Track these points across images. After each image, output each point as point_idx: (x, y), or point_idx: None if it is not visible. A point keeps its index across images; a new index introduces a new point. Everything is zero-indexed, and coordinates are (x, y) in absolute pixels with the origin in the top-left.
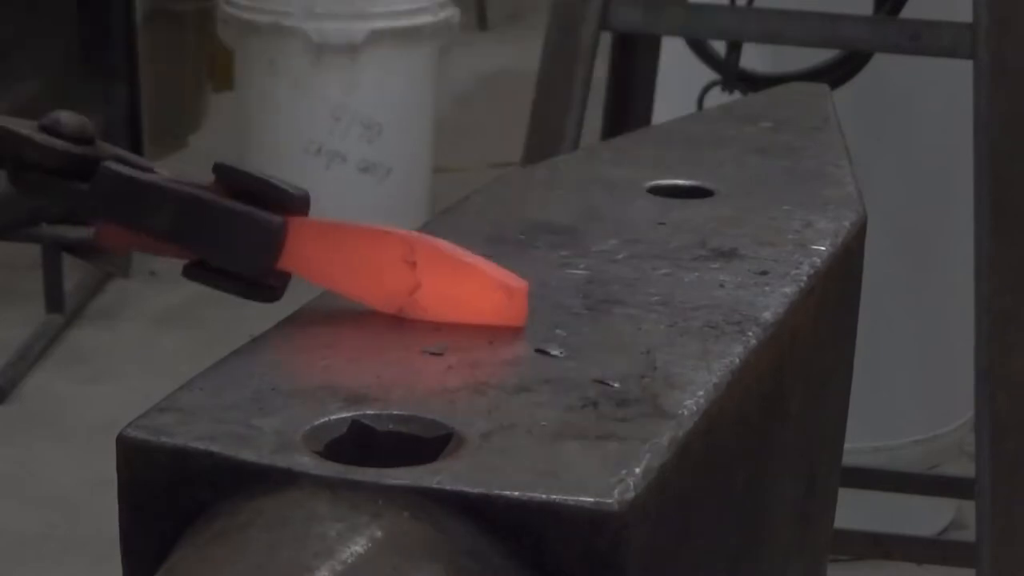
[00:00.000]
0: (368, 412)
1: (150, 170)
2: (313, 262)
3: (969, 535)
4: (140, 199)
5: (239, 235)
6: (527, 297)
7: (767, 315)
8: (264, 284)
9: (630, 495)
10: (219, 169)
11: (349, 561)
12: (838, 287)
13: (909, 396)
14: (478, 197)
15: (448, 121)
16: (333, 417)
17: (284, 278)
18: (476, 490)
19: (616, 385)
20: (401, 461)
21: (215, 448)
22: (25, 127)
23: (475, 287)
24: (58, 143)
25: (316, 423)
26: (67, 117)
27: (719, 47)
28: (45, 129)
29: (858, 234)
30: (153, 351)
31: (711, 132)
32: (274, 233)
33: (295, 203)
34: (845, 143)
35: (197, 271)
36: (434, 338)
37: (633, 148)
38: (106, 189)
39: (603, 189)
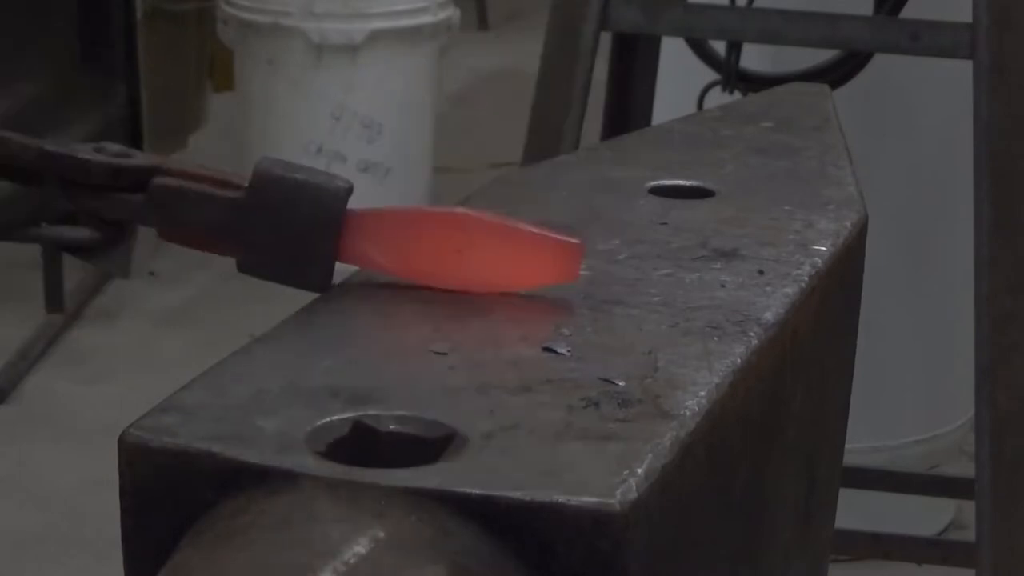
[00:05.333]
0: (370, 412)
1: (196, 176)
2: (366, 253)
3: (969, 535)
4: (190, 205)
5: (289, 235)
6: (582, 252)
7: (768, 315)
8: (312, 273)
9: (632, 496)
10: (259, 176)
11: (351, 562)
12: (839, 287)
13: (909, 396)
14: (478, 197)
15: (448, 121)
16: (335, 417)
17: (329, 267)
18: (478, 491)
19: (621, 384)
20: (403, 462)
21: (217, 449)
22: (80, 151)
23: (531, 250)
24: (113, 160)
25: (318, 423)
26: (109, 143)
27: (719, 47)
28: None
29: (859, 234)
30: (153, 351)
31: (711, 132)
32: (326, 231)
33: (337, 196)
34: (846, 143)
35: (249, 265)
36: (436, 338)
37: (633, 148)
38: (160, 201)
39: (604, 189)
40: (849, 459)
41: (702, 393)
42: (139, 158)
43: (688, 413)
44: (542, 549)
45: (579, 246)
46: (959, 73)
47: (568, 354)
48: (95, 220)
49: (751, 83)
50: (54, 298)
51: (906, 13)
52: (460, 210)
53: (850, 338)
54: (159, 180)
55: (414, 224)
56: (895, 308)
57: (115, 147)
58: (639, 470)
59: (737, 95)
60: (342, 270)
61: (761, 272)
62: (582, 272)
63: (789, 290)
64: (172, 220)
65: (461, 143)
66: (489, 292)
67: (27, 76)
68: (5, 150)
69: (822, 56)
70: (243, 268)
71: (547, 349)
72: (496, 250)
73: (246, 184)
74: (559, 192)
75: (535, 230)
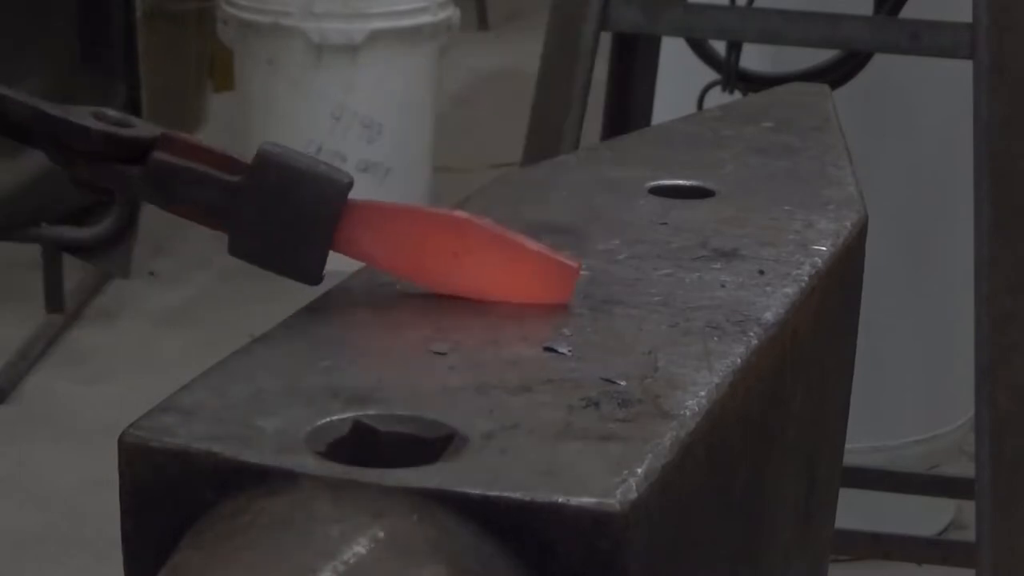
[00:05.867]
0: (370, 412)
1: (197, 154)
2: (361, 243)
3: (969, 535)
4: (189, 184)
5: (284, 222)
6: (577, 276)
7: (768, 315)
8: (305, 263)
9: (632, 496)
10: (261, 159)
11: (351, 561)
12: (839, 287)
13: (909, 396)
14: (478, 197)
15: (448, 121)
16: (335, 417)
17: (322, 259)
18: (478, 491)
19: (622, 384)
20: (403, 461)
21: (217, 448)
22: (79, 116)
23: (527, 266)
24: (112, 129)
25: (318, 423)
26: (108, 110)
27: (719, 47)
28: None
29: (859, 234)
30: (153, 351)
31: (711, 132)
32: (323, 223)
33: (338, 189)
34: (846, 143)
35: (241, 249)
36: (437, 338)
37: (633, 148)
38: (158, 176)
39: (604, 189)
40: (849, 459)
41: (702, 393)
42: (139, 128)
43: (688, 413)
44: (542, 549)
45: (574, 269)
46: (959, 73)
47: (568, 354)
48: (89, 187)
49: (751, 83)
50: (54, 298)
51: (906, 13)
52: (461, 214)
53: (850, 338)
54: (158, 155)
55: (413, 222)
56: (895, 308)
57: (115, 114)
58: (639, 470)
59: (737, 95)
60: (341, 269)
61: (761, 272)
62: (582, 272)
63: (789, 290)
64: (169, 197)
65: (461, 143)
66: (479, 300)
67: (27, 76)
68: (1, 107)
69: (822, 56)
70: (234, 251)
71: (547, 349)
72: (492, 260)
73: (247, 165)
74: (559, 192)
75: (534, 247)
